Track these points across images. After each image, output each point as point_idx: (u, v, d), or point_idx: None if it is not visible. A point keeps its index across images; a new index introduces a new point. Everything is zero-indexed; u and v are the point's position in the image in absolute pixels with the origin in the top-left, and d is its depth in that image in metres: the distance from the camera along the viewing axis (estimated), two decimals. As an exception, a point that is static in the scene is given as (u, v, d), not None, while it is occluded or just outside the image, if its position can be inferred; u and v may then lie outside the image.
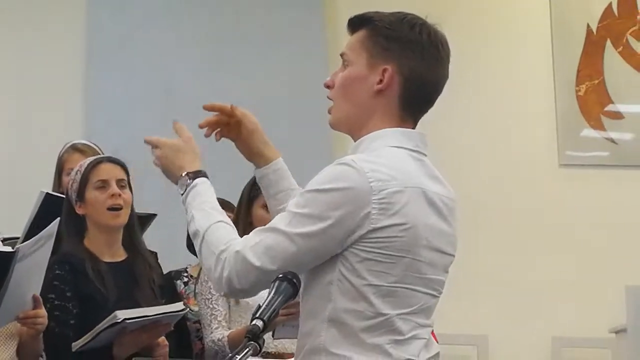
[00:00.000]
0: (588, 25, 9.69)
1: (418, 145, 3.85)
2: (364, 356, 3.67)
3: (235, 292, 3.83)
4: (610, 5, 9.69)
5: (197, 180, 3.97)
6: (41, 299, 5.41)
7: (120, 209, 5.69)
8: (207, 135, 4.16)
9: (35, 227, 5.71)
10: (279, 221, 3.73)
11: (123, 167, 5.91)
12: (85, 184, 5.80)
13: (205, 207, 3.93)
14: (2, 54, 9.76)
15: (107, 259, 5.84)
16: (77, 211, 5.87)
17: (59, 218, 5.46)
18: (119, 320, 5.30)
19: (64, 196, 6.31)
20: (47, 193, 6.37)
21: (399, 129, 3.82)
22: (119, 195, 5.71)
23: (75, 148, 6.92)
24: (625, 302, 7.50)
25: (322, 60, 9.21)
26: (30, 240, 5.31)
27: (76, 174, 5.93)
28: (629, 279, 7.67)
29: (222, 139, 4.24)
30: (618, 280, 7.70)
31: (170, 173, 4.07)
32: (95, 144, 7.00)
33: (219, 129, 4.21)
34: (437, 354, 3.86)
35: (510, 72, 9.50)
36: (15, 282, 5.17)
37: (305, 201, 3.72)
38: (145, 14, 9.69)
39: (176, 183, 4.01)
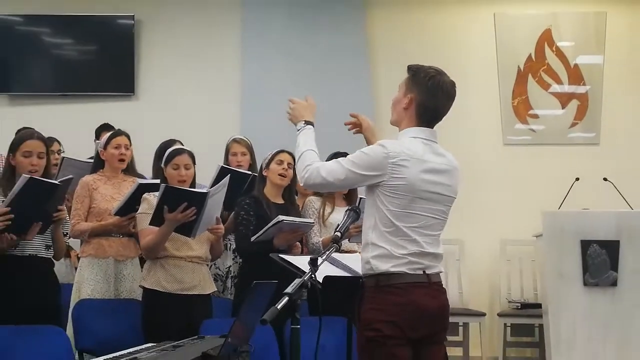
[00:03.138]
0: (518, 66, 9.62)
1: (428, 136, 4.06)
2: (389, 246, 3.87)
3: (307, 184, 4.12)
4: (530, 54, 9.59)
5: (308, 126, 4.24)
6: (221, 220, 5.64)
7: (286, 177, 5.87)
8: (350, 129, 4.72)
9: (216, 183, 5.78)
10: (343, 160, 4.01)
11: (293, 157, 5.91)
12: (272, 160, 5.95)
13: (307, 140, 4.16)
14: (197, 76, 9.81)
15: (273, 201, 5.99)
16: (263, 174, 6.03)
17: (228, 176, 5.68)
18: (279, 220, 5.47)
19: (230, 167, 6.48)
20: (222, 166, 6.47)
21: (417, 127, 4.04)
22: (287, 170, 5.86)
23: (235, 140, 6.98)
24: (541, 219, 7.49)
25: (368, 90, 9.31)
26: (213, 187, 5.54)
27: (268, 154, 6.08)
28: (544, 206, 7.60)
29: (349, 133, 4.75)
30: (537, 206, 7.57)
31: (295, 118, 4.30)
32: (246, 137, 7.08)
33: (356, 128, 4.65)
34: (441, 254, 4.03)
35: (473, 94, 9.34)
36: (207, 209, 5.34)
37: (357, 155, 3.98)
38: (277, 56, 9.68)
39: (296, 124, 4.28)
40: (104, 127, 7.01)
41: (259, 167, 6.36)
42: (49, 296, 5.43)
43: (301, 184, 4.24)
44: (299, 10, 9.72)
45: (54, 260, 5.55)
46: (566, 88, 9.67)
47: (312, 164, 4.01)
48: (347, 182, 4.03)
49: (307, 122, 4.24)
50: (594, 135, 9.62)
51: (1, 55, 9.75)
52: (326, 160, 6.69)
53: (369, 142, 4.41)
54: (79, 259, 6.09)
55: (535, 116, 9.68)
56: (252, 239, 5.72)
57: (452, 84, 4.07)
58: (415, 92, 4.01)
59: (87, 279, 5.87)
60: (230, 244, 6.37)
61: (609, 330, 7.30)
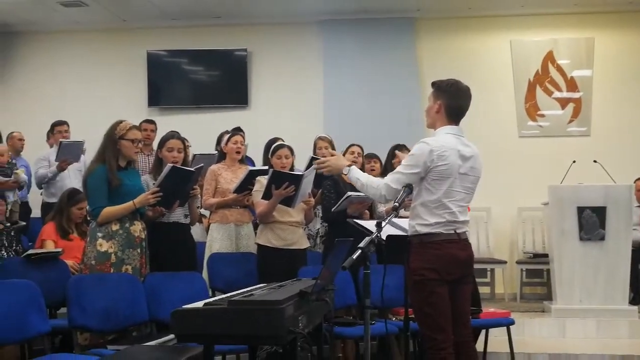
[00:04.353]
0: (529, 79, 9.48)
1: (457, 132, 3.93)
2: (433, 219, 3.82)
3: (387, 199, 4.00)
4: (537, 70, 9.45)
5: (351, 168, 4.07)
6: (312, 194, 5.66)
7: (357, 163, 5.77)
8: None
9: (308, 168, 5.80)
10: (399, 168, 3.90)
11: (361, 148, 6.14)
12: (346, 151, 6.04)
13: (360, 174, 4.03)
14: (287, 87, 9.79)
15: (348, 181, 5.79)
16: None
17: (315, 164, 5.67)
18: (348, 195, 5.39)
19: (317, 157, 6.30)
20: (312, 156, 6.42)
21: (448, 126, 3.93)
22: (357, 158, 5.88)
23: (320, 137, 6.88)
24: (548, 191, 7.43)
25: (416, 99, 9.01)
26: (306, 171, 5.53)
27: (346, 148, 6.11)
28: (549, 182, 7.51)
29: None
30: (545, 182, 7.51)
31: (337, 170, 4.16)
32: (328, 135, 6.98)
33: None
34: (468, 220, 3.97)
35: (496, 100, 9.29)
36: (302, 187, 5.37)
37: (407, 160, 3.88)
38: (348, 75, 9.61)
39: (339, 173, 4.20)
40: (236, 129, 7.04)
41: (339, 157, 6.36)
42: (187, 251, 5.49)
43: (382, 202, 4.21)
44: (364, 40, 9.65)
45: (190, 225, 5.63)
46: (565, 94, 9.52)
47: (380, 184, 3.94)
48: (410, 182, 3.88)
49: (349, 166, 4.11)
50: (586, 129, 9.44)
51: (153, 79, 9.93)
52: (389, 150, 6.63)
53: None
54: (209, 224, 6.16)
55: (542, 115, 9.51)
56: (333, 209, 5.71)
57: (468, 87, 3.99)
58: (442, 98, 3.93)
59: (215, 238, 5.91)
60: (319, 212, 6.39)
61: (598, 273, 7.26)
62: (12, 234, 6.03)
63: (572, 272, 7.29)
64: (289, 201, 5.46)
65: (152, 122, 8.00)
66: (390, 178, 3.92)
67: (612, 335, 7.01)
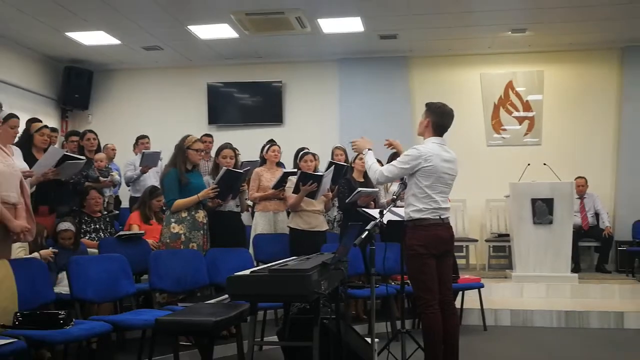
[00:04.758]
0: (494, 102, 9.36)
1: (441, 142, 3.85)
2: (421, 205, 3.74)
3: (378, 182, 3.97)
4: (501, 95, 9.34)
5: (370, 151, 4.04)
6: (330, 190, 5.57)
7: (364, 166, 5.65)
8: (387, 147, 4.22)
9: (327, 169, 5.71)
10: (394, 162, 3.86)
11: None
12: (356, 157, 5.81)
13: (371, 159, 3.98)
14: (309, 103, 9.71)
15: (358, 180, 5.88)
16: (352, 165, 5.93)
17: (333, 167, 5.59)
18: (358, 190, 5.36)
19: (335, 162, 6.33)
20: (330, 161, 6.30)
21: (434, 137, 3.83)
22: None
23: (336, 147, 6.77)
24: (509, 187, 7.41)
25: (409, 117, 8.98)
26: (326, 172, 5.48)
27: (355, 156, 5.87)
28: (510, 179, 7.51)
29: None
30: (507, 179, 7.53)
31: (360, 149, 4.11)
32: (343, 145, 6.90)
33: (391, 146, 4.21)
34: (449, 207, 3.90)
35: (470, 119, 9.18)
36: (323, 184, 5.39)
37: (401, 158, 3.84)
38: (357, 98, 9.46)
39: (362, 152, 4.08)
40: (271, 141, 7.02)
41: (350, 161, 6.32)
42: (238, 232, 5.50)
43: (375, 183, 4.16)
44: (370, 74, 9.57)
45: (240, 213, 5.63)
46: (521, 114, 9.40)
47: (377, 170, 3.92)
48: (400, 174, 3.89)
49: (369, 149, 4.11)
50: (538, 139, 9.33)
51: (212, 103, 9.91)
52: (388, 157, 6.62)
53: (398, 151, 4.20)
54: (254, 212, 6.16)
55: (505, 130, 9.40)
56: (346, 201, 5.71)
57: (451, 110, 3.95)
58: (431, 116, 3.90)
59: (259, 222, 5.90)
60: (336, 203, 6.37)
61: (547, 249, 7.23)
62: (107, 220, 6.07)
63: (527, 248, 7.25)
64: (313, 195, 5.46)
65: (210, 135, 8.04)
66: (385, 167, 3.92)
67: (558, 296, 6.98)
